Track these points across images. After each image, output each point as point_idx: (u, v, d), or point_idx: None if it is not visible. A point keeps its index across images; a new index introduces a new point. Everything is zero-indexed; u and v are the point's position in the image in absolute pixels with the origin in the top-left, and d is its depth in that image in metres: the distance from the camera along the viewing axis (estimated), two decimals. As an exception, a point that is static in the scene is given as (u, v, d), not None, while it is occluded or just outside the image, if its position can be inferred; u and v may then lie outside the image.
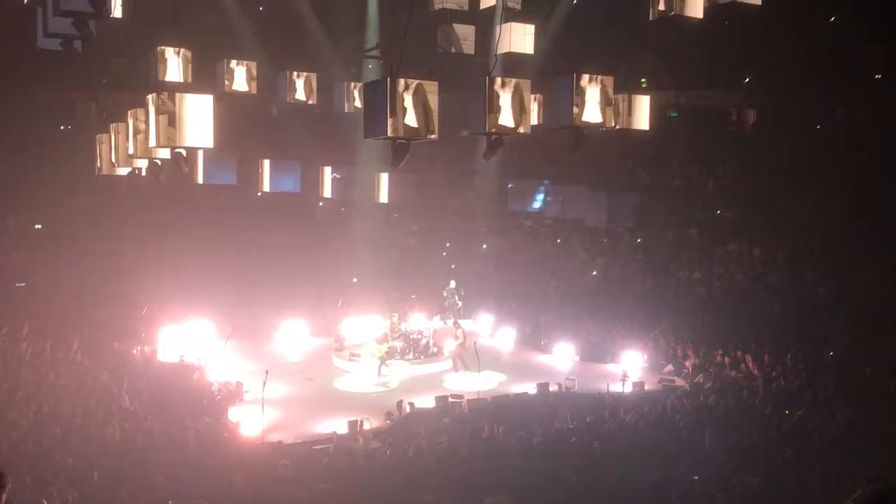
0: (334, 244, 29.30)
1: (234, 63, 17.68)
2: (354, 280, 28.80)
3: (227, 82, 17.59)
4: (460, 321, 23.08)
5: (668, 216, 27.42)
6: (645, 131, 14.70)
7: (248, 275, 25.53)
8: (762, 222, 25.44)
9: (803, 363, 18.63)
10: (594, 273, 27.87)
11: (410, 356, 21.53)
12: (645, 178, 27.68)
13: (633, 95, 14.40)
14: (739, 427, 14.69)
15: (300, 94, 18.82)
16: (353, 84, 21.11)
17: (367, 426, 15.87)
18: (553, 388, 18.74)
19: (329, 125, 24.15)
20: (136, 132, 12.99)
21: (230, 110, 15.51)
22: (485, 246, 31.97)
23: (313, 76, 18.96)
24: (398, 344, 21.56)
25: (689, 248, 26.81)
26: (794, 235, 24.23)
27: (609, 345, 22.48)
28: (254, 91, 17.94)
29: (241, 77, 17.70)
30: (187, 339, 21.13)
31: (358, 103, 20.30)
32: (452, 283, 25.67)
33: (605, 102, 10.94)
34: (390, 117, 9.35)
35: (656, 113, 15.60)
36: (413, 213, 31.05)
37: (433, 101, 9.58)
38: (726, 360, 19.54)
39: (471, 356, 19.46)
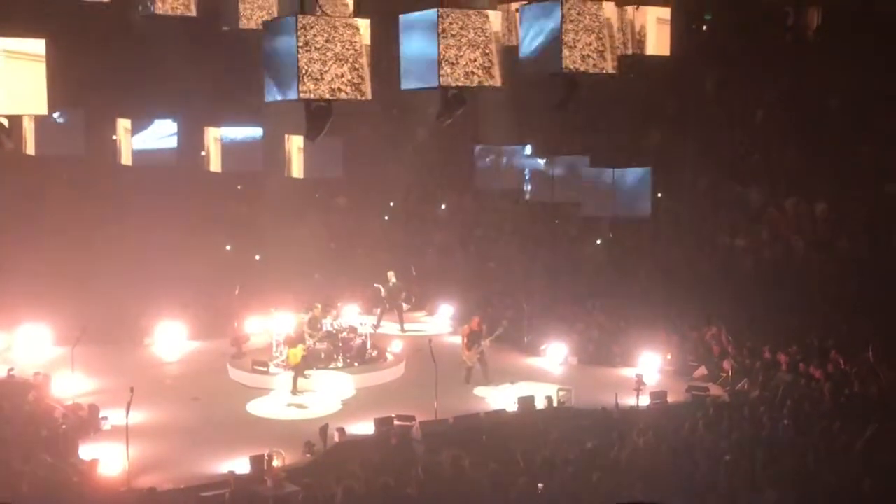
0: (227, 219, 29.22)
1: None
2: (257, 258, 28.70)
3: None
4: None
5: (699, 161, 27.54)
6: (664, 58, 14.84)
7: (104, 263, 25.55)
8: (831, 169, 25.71)
9: (887, 363, 18.89)
10: (598, 242, 28.02)
11: (340, 363, 21.59)
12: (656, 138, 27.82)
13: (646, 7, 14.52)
14: (799, 452, 14.87)
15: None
16: None
17: (277, 462, 15.92)
18: (541, 402, 18.92)
19: (218, 54, 23.67)
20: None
21: (72, 46, 15.03)
22: (444, 206, 31.99)
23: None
24: (321, 346, 21.55)
25: (728, 206, 27.04)
26: (875, 187, 24.54)
27: (618, 341, 22.65)
28: None
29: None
30: (18, 345, 20.72)
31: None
32: (392, 275, 25.66)
33: (610, 32, 10.89)
34: (302, 71, 9.21)
35: (681, 25, 15.63)
36: (342, 188, 31.16)
37: (364, 45, 9.49)
38: (779, 358, 19.77)
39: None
